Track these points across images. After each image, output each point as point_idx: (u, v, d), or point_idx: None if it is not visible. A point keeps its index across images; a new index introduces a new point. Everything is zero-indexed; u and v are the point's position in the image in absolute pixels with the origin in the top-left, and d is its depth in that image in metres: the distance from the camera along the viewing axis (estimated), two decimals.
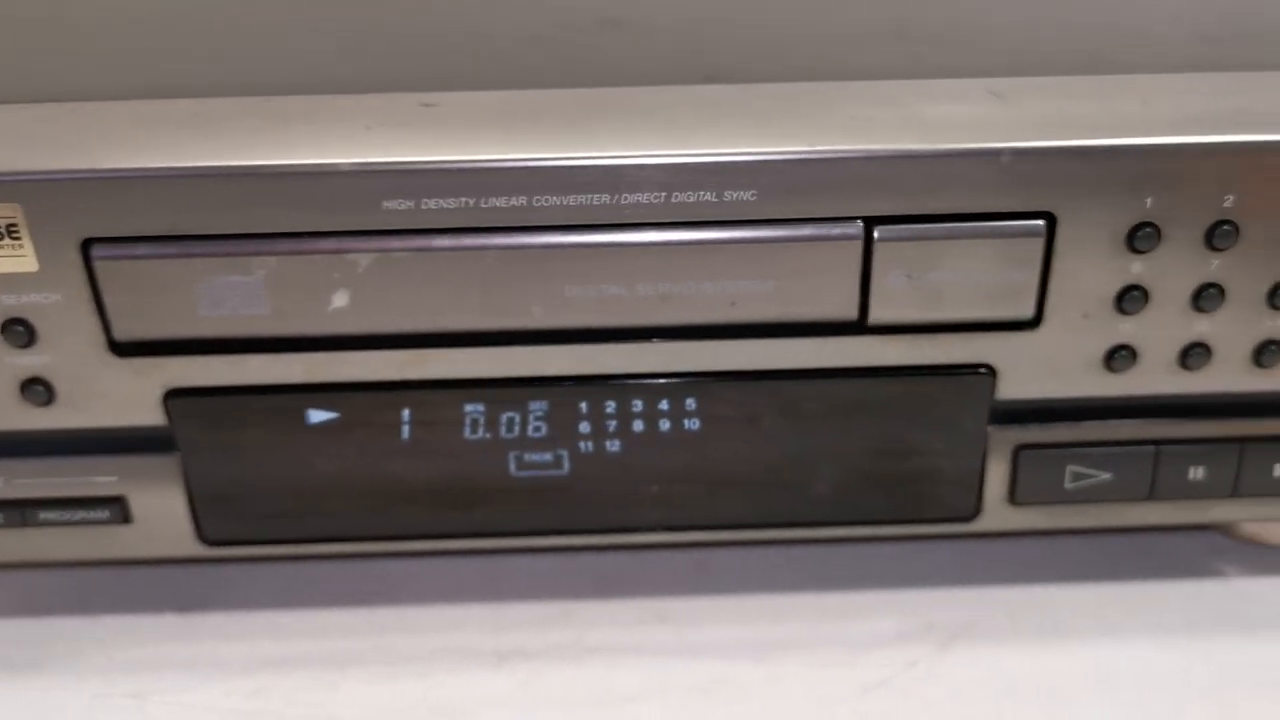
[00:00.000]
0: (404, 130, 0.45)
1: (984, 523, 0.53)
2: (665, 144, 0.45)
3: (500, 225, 0.46)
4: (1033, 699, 0.52)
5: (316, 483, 0.52)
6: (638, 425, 0.51)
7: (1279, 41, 0.53)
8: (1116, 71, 0.49)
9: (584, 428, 0.51)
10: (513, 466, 0.52)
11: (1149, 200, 0.45)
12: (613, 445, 0.51)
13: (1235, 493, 0.52)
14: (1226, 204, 0.45)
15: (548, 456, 0.52)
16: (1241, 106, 0.46)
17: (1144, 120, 0.45)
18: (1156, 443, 0.51)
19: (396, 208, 0.45)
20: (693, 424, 0.50)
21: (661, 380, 0.50)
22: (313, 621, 0.56)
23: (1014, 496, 0.52)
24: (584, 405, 0.50)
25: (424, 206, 0.45)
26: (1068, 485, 0.52)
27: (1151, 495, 0.52)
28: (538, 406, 0.50)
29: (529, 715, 0.52)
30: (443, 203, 0.45)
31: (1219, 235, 0.46)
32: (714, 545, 0.58)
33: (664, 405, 0.50)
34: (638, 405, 0.50)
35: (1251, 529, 0.57)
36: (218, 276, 0.46)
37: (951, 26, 0.55)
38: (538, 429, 0.51)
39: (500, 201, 0.45)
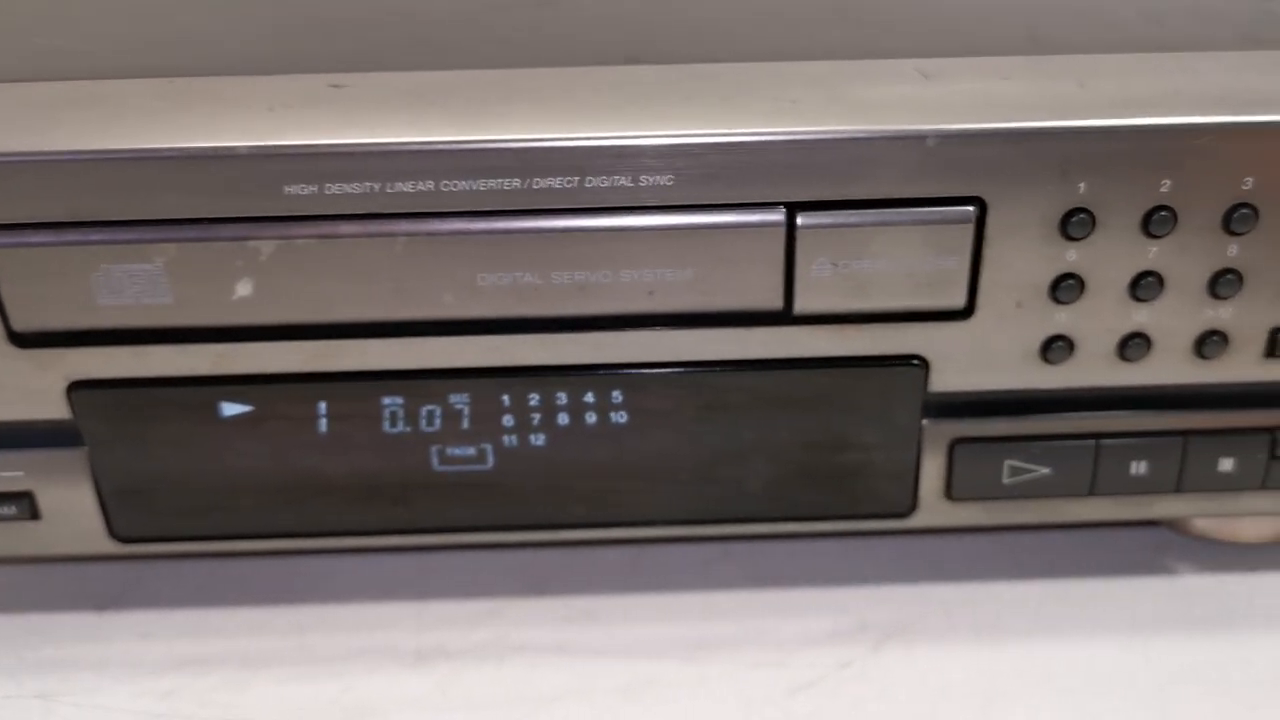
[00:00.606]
0: (308, 112, 0.44)
1: (920, 519, 0.51)
2: (578, 127, 0.43)
3: (408, 211, 0.43)
4: (965, 700, 0.50)
5: (231, 478, 0.50)
6: (563, 419, 0.49)
7: (1225, 20, 0.50)
8: (1057, 52, 0.47)
9: (507, 421, 0.48)
10: (435, 461, 0.49)
11: (1082, 185, 0.44)
12: (537, 439, 0.49)
13: (1179, 488, 0.51)
14: (1162, 189, 0.44)
15: (471, 451, 0.49)
16: (1180, 88, 0.44)
17: (1077, 102, 0.44)
18: (1097, 436, 0.50)
19: (299, 193, 0.43)
20: (619, 417, 0.49)
21: (584, 373, 0.47)
22: (233, 619, 0.55)
23: (950, 492, 0.50)
24: (506, 398, 0.48)
25: (328, 191, 0.43)
26: (1006, 480, 0.50)
27: (1093, 490, 0.51)
28: (459, 399, 0.48)
29: (444, 718, 0.51)
30: (347, 187, 0.43)
31: (1156, 222, 0.44)
32: (646, 542, 0.55)
33: (589, 398, 0.49)
34: (561, 398, 0.48)
35: (1204, 526, 0.56)
36: (116, 264, 0.45)
37: (889, 5, 0.53)
38: (459, 422, 0.48)
39: (407, 186, 0.43)
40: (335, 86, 0.45)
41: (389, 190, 0.43)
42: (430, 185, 0.43)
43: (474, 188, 0.43)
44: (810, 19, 0.51)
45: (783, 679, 0.50)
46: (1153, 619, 0.53)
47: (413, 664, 0.51)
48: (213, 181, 0.44)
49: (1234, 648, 0.51)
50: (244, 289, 0.45)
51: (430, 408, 0.49)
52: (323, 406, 0.49)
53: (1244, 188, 0.44)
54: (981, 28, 0.50)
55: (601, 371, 0.49)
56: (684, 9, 0.53)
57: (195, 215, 0.45)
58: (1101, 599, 0.54)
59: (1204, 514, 0.52)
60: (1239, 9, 0.50)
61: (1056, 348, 0.47)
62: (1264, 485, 0.51)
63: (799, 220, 0.44)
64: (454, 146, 0.43)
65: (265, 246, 0.44)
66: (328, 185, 0.43)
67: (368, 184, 0.43)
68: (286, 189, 0.43)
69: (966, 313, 0.47)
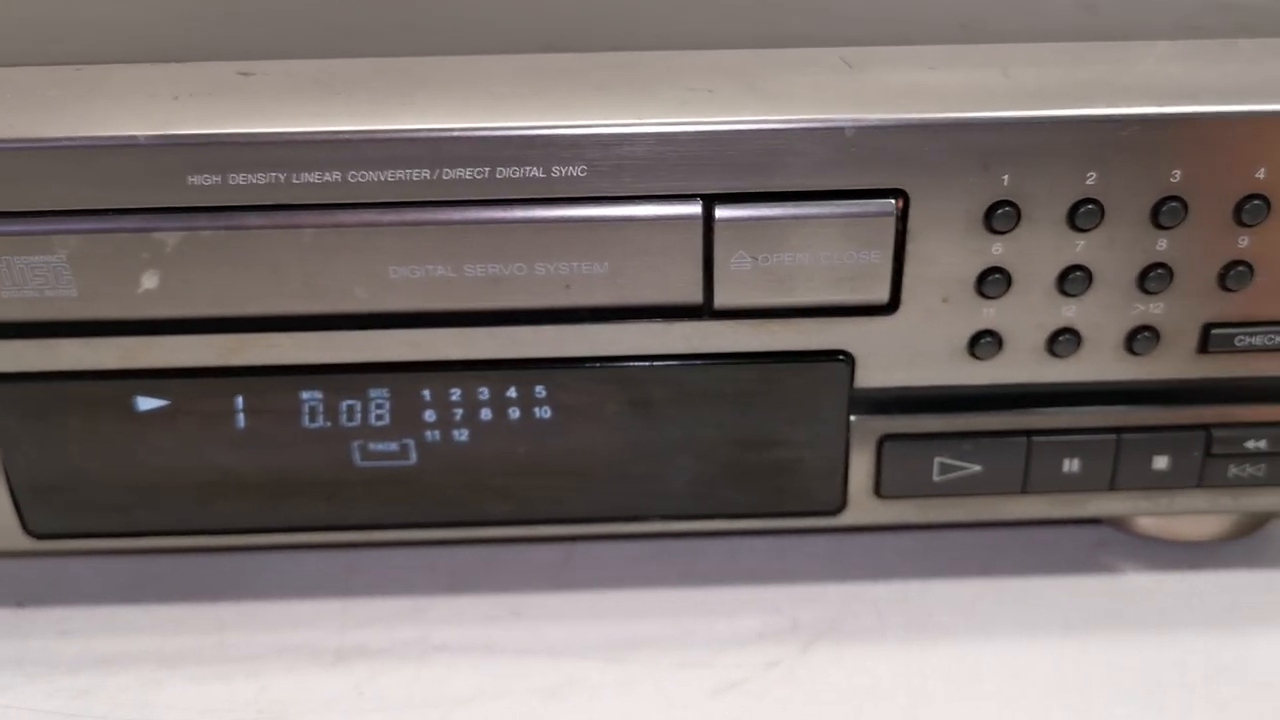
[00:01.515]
0: (213, 100, 0.43)
1: (850, 516, 0.50)
2: (488, 117, 0.42)
3: (315, 202, 0.42)
4: (891, 701, 0.50)
5: (148, 474, 0.50)
6: (485, 414, 0.47)
7: (1164, 6, 0.50)
8: (988, 40, 0.46)
9: (430, 416, 0.47)
10: (357, 457, 0.48)
11: (1006, 177, 0.43)
12: (461, 434, 0.48)
13: (1114, 486, 0.50)
14: (1088, 182, 0.43)
15: (393, 446, 0.48)
16: (1107, 78, 0.43)
17: (1001, 92, 0.43)
18: (1028, 434, 0.49)
19: (202, 183, 0.42)
20: (542, 412, 0.48)
21: (504, 368, 0.46)
22: (154, 616, 0.54)
23: (880, 489, 0.50)
24: (427, 393, 0.47)
25: (231, 182, 0.42)
26: (936, 478, 0.49)
27: (1025, 488, 0.50)
28: (379, 394, 0.47)
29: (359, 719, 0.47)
30: (251, 178, 0.42)
31: (1082, 215, 0.43)
32: (579, 539, 0.54)
33: (512, 393, 0.47)
34: (484, 393, 0.47)
35: (1149, 525, 0.54)
36: (18, 256, 0.44)
37: None
38: (380, 417, 0.47)
39: (313, 177, 0.42)
40: (244, 74, 0.44)
41: (295, 181, 0.43)
42: (337, 176, 0.42)
43: (382, 178, 0.42)
44: (737, 5, 0.50)
45: (707, 679, 0.49)
46: (1088, 619, 0.52)
47: (332, 663, 0.50)
48: (114, 172, 0.43)
49: (1169, 650, 0.51)
50: (150, 281, 0.44)
51: (350, 402, 0.48)
52: (240, 401, 0.48)
53: (1172, 180, 0.43)
54: (914, 15, 0.49)
55: (520, 366, 0.47)
56: None
57: (97, 206, 0.44)
58: (1037, 598, 0.53)
59: (1140, 512, 0.51)
60: None
61: (984, 343, 0.46)
62: (1200, 483, 0.50)
63: (716, 213, 0.43)
64: (360, 136, 0.42)
65: (169, 238, 0.43)
66: (231, 176, 0.42)
67: (272, 174, 0.42)
68: (190, 179, 0.43)
69: (891, 307, 0.46)
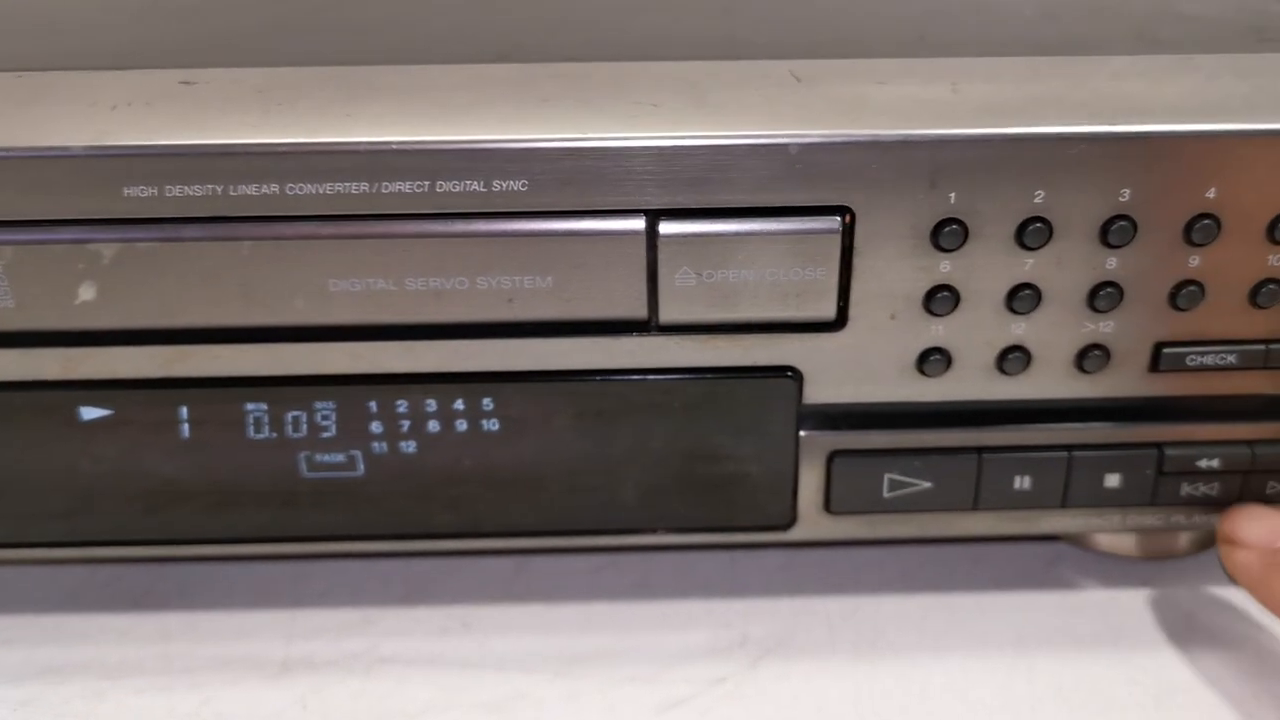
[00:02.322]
0: (152, 110, 0.42)
1: (800, 532, 0.50)
2: (429, 129, 0.41)
3: (252, 214, 0.41)
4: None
5: (93, 484, 0.49)
6: (433, 425, 0.47)
7: (1123, 18, 0.50)
8: (942, 53, 0.46)
9: (376, 427, 0.47)
10: (303, 468, 0.48)
11: (952, 195, 0.42)
12: (408, 446, 0.48)
13: (1065, 503, 0.49)
14: (1036, 200, 0.42)
15: (340, 457, 0.48)
16: (1058, 94, 0.43)
17: (948, 108, 0.42)
18: (979, 450, 0.48)
19: (138, 195, 0.42)
20: (490, 425, 0.47)
21: (448, 381, 0.46)
22: (99, 626, 0.54)
23: (829, 505, 0.49)
24: (373, 404, 0.47)
25: (168, 193, 0.41)
26: (886, 494, 0.48)
27: (976, 505, 0.49)
28: (323, 406, 0.46)
29: None
30: (188, 189, 0.41)
31: (1030, 233, 0.43)
32: (526, 552, 0.54)
33: (459, 405, 0.47)
34: (430, 405, 0.46)
35: (1107, 541, 0.54)
36: None
37: (777, 4, 0.52)
38: (326, 428, 0.47)
39: (250, 189, 0.42)
40: (186, 83, 0.44)
41: (232, 193, 0.42)
42: (275, 188, 0.42)
43: (320, 191, 0.42)
44: (691, 15, 0.50)
45: (653, 696, 0.49)
46: (1038, 635, 0.52)
47: (276, 675, 0.50)
48: (49, 182, 0.43)
49: (1119, 667, 0.50)
50: (87, 292, 0.44)
51: (295, 414, 0.47)
52: (184, 411, 0.47)
53: (1122, 200, 0.42)
54: (872, 26, 0.49)
55: (464, 380, 0.46)
56: (559, 4, 0.50)
57: (32, 217, 0.43)
58: (989, 613, 0.53)
59: (1092, 530, 0.51)
60: (1141, 7, 0.49)
61: (933, 360, 0.46)
62: (1153, 501, 0.49)
63: (660, 229, 0.43)
64: (298, 149, 0.42)
65: (106, 249, 0.43)
66: (168, 187, 0.41)
67: (209, 186, 0.42)
68: (125, 190, 0.42)
69: (838, 324, 0.45)
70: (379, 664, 0.51)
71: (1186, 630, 0.52)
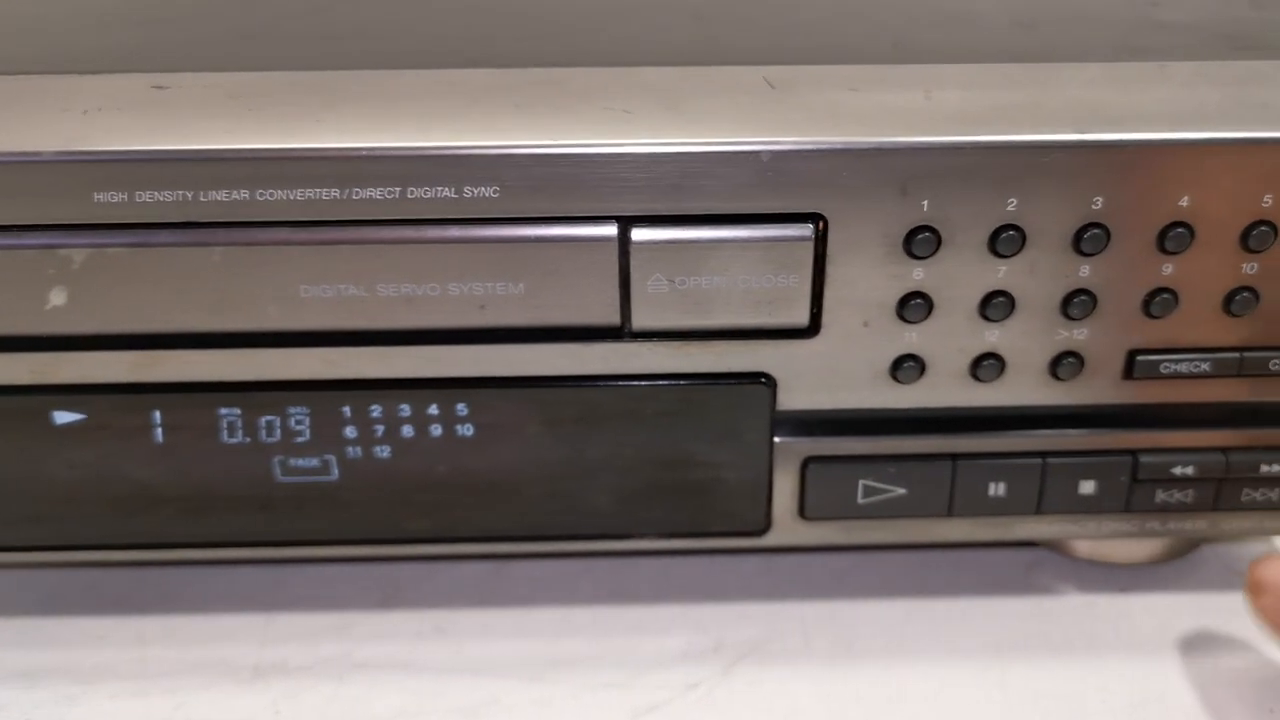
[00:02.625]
0: (123, 115, 0.42)
1: (774, 537, 0.50)
2: (400, 134, 0.41)
3: (223, 220, 0.41)
4: None
5: (67, 488, 0.49)
6: (407, 430, 0.47)
7: (1102, 26, 0.50)
8: (916, 60, 0.46)
9: (350, 432, 0.47)
10: (278, 472, 0.47)
11: (925, 203, 0.42)
12: (382, 451, 0.47)
13: (1040, 510, 0.49)
14: (1009, 208, 0.42)
15: (315, 462, 0.47)
16: (1032, 101, 0.43)
17: (921, 116, 0.42)
18: (953, 457, 0.48)
19: (109, 200, 0.41)
20: (465, 430, 0.47)
21: (421, 387, 0.46)
22: (74, 630, 0.53)
23: (804, 511, 0.49)
24: (346, 409, 0.46)
25: (138, 199, 0.41)
26: (860, 500, 0.48)
27: (951, 511, 0.49)
28: (297, 411, 0.46)
29: None
30: (158, 195, 0.41)
31: (1003, 241, 0.43)
32: (502, 557, 0.54)
33: (432, 410, 0.46)
34: (405, 410, 0.46)
35: (1084, 547, 0.53)
36: None
37: (752, 9, 0.52)
38: (300, 433, 0.47)
39: (221, 195, 0.41)
40: (158, 88, 0.43)
41: (203, 199, 0.42)
42: (246, 194, 0.42)
43: (291, 197, 0.42)
44: (667, 20, 0.50)
45: (627, 701, 0.49)
46: (1014, 642, 0.52)
47: (250, 680, 0.50)
48: (19, 187, 0.43)
49: (1095, 675, 0.50)
50: (58, 298, 0.43)
51: (269, 419, 0.47)
52: (157, 416, 0.47)
53: (1095, 207, 0.42)
54: (847, 32, 0.49)
55: (437, 386, 0.46)
56: (537, 8, 0.51)
57: (2, 222, 0.43)
58: (966, 619, 0.53)
59: (1068, 536, 0.51)
60: (1119, 14, 0.49)
61: (907, 367, 0.46)
62: (1128, 508, 0.49)
63: (633, 235, 0.43)
64: (269, 155, 0.42)
65: (77, 255, 0.42)
66: (139, 193, 0.41)
67: (180, 192, 0.42)
68: (96, 196, 0.42)
69: (812, 331, 0.45)
70: (353, 669, 0.51)
71: (1162, 638, 0.52)
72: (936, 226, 0.43)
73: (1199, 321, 0.45)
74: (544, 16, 0.51)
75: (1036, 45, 0.47)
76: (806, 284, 0.44)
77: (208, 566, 0.55)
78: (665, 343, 0.45)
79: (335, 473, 0.48)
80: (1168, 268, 0.43)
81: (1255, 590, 0.47)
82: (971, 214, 0.42)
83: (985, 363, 0.45)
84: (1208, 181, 0.42)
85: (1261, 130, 0.42)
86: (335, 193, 0.41)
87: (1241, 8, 0.51)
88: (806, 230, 0.43)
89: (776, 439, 0.48)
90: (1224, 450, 0.48)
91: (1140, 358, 0.45)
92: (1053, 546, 0.55)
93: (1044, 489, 0.49)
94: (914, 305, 0.44)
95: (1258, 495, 0.48)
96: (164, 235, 0.42)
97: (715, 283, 0.43)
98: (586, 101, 0.43)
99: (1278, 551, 0.48)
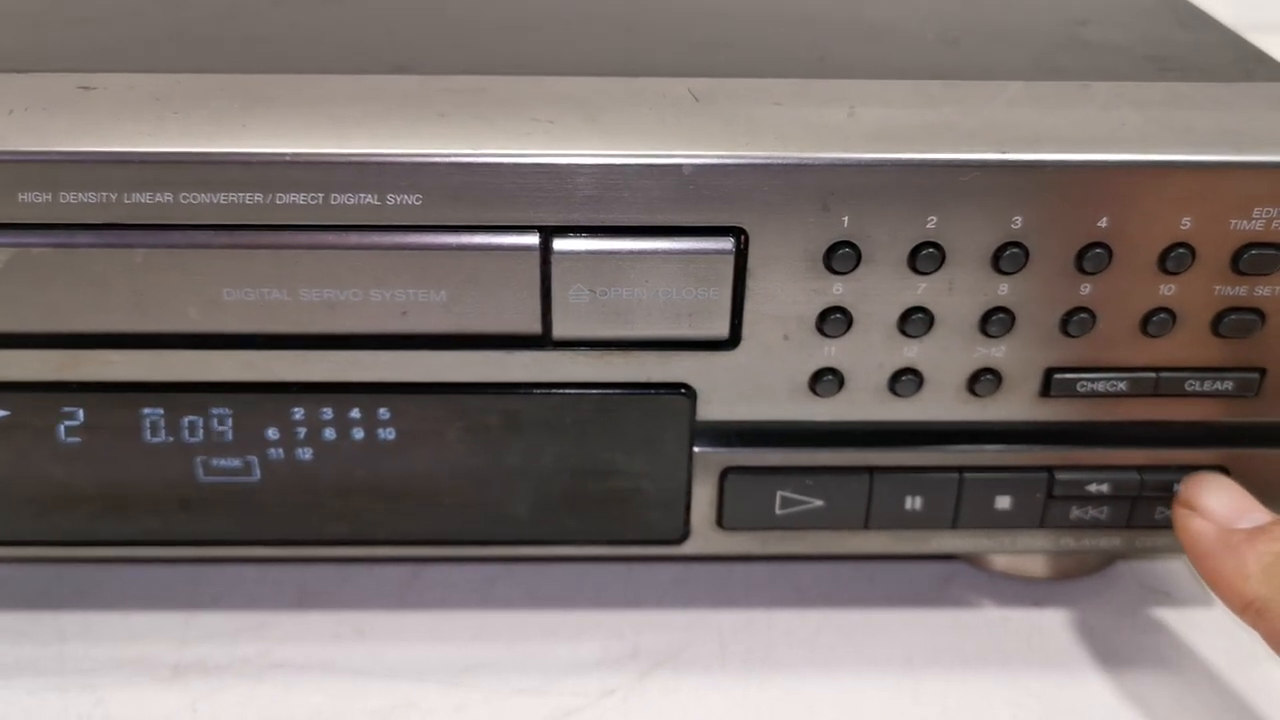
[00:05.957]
0: (48, 115, 0.42)
1: (692, 546, 0.50)
2: (324, 140, 0.41)
3: (146, 222, 0.41)
4: None
5: None
6: (328, 434, 0.47)
7: (1025, 44, 0.51)
8: (840, 75, 0.47)
9: (272, 434, 0.47)
10: (200, 472, 0.47)
11: (845, 219, 0.43)
12: (304, 453, 0.47)
13: (956, 524, 0.49)
14: (928, 225, 0.43)
15: (237, 463, 0.48)
16: (952, 120, 0.43)
17: (843, 132, 0.43)
18: (870, 470, 0.48)
19: (32, 200, 0.41)
20: (386, 435, 0.47)
21: (341, 391, 0.46)
22: None
23: (721, 520, 0.49)
24: (268, 412, 0.46)
25: (62, 200, 0.41)
26: (778, 511, 0.49)
27: (868, 524, 0.50)
28: (219, 412, 0.46)
29: None
30: (82, 196, 0.41)
31: (923, 258, 0.43)
32: (420, 560, 0.54)
33: (354, 414, 0.46)
34: (326, 414, 0.46)
35: (1004, 562, 0.54)
36: None
37: (685, 22, 0.53)
38: (222, 434, 0.47)
39: (144, 197, 0.41)
40: (84, 88, 0.43)
41: (126, 201, 0.41)
42: (168, 197, 0.42)
43: (214, 201, 0.42)
44: (596, 30, 0.51)
45: (543, 707, 0.49)
46: (928, 654, 0.52)
47: (169, 679, 0.50)
48: None
49: (1006, 689, 0.51)
50: None
51: (192, 419, 0.47)
52: (80, 415, 0.47)
53: (1014, 227, 0.43)
54: (773, 45, 0.50)
55: (357, 390, 0.46)
56: (466, 15, 0.52)
57: None
58: (881, 631, 0.53)
59: (982, 551, 0.51)
60: (1046, 32, 0.49)
61: (826, 381, 0.46)
62: (1043, 524, 0.50)
63: (554, 245, 0.43)
64: (192, 158, 0.42)
65: None
66: (62, 194, 0.41)
67: (103, 194, 0.42)
68: (20, 196, 0.42)
69: (732, 343, 0.46)
70: (271, 669, 0.51)
71: (1075, 652, 0.53)
72: (857, 242, 0.43)
73: (1116, 341, 0.45)
74: (471, 24, 0.51)
75: (961, 62, 0.48)
76: (727, 297, 0.44)
77: (125, 564, 0.55)
78: (586, 352, 0.46)
79: (257, 473, 0.48)
80: (1086, 288, 0.44)
81: (1184, 508, 0.48)
82: (891, 231, 0.43)
83: (903, 378, 0.46)
84: (1127, 203, 0.42)
85: (1181, 153, 0.42)
86: (258, 197, 0.41)
87: (1170, 28, 0.52)
88: (728, 244, 0.43)
89: (696, 449, 0.48)
90: (1139, 469, 0.49)
91: (1057, 376, 0.46)
92: (969, 560, 0.55)
93: (960, 504, 0.49)
94: (834, 320, 0.44)
95: (1171, 513, 0.48)
96: (87, 236, 0.43)
97: (636, 294, 0.44)
98: (509, 111, 0.43)
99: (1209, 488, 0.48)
